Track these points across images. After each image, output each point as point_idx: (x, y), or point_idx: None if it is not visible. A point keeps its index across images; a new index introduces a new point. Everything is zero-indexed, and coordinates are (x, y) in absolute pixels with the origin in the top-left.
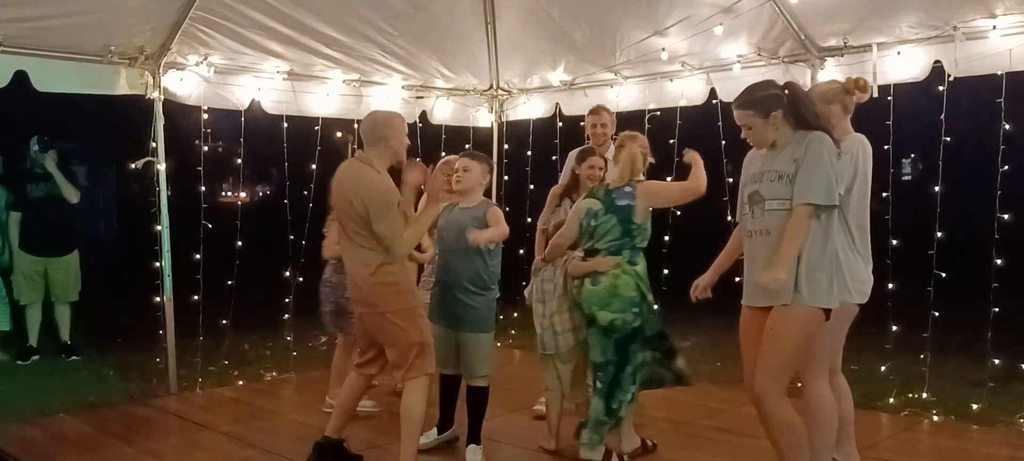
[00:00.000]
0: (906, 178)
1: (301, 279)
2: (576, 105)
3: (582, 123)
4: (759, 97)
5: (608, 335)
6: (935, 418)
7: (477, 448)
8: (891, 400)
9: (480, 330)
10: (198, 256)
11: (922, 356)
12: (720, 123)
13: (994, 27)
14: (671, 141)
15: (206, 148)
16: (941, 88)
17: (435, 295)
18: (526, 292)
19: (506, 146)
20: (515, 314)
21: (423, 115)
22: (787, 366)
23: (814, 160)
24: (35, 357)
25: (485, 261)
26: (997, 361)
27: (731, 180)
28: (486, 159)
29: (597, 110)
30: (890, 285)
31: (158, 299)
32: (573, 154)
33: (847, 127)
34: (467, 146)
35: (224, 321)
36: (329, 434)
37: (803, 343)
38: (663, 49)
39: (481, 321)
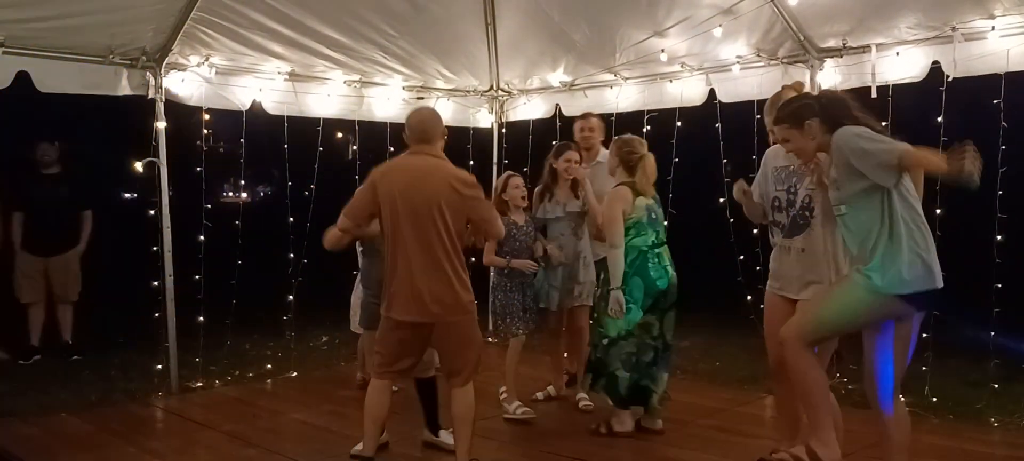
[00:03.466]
0: None
1: (302, 279)
2: (576, 106)
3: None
4: (791, 109)
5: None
6: (935, 418)
7: (448, 431)
8: None
9: None
10: (199, 256)
11: (923, 356)
12: (719, 124)
13: (993, 28)
14: (671, 142)
15: (207, 149)
16: (940, 89)
17: (372, 302)
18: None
19: (506, 146)
20: None
21: None
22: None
23: (846, 154)
24: (37, 357)
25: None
26: (998, 361)
27: (730, 180)
28: None
29: (586, 115)
30: None
31: (160, 299)
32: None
33: None
34: (468, 147)
35: (226, 321)
36: (368, 455)
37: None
38: (662, 50)
39: None
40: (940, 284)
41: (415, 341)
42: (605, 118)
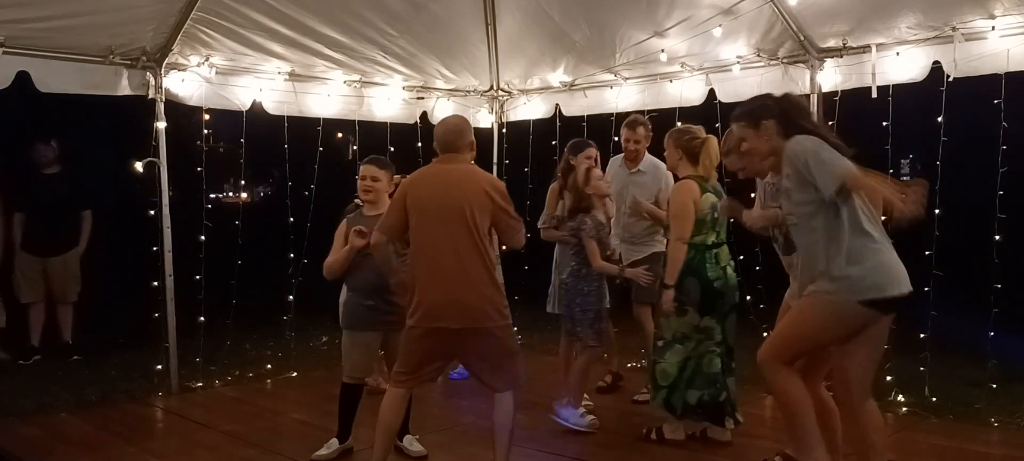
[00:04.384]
0: (905, 178)
1: (302, 279)
2: (576, 106)
3: (582, 123)
4: (749, 108)
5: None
6: (934, 418)
7: (412, 437)
8: (891, 400)
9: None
10: (199, 256)
11: (922, 356)
12: (719, 124)
13: (993, 28)
14: None
15: (207, 149)
16: (940, 89)
17: (354, 303)
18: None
19: (506, 147)
20: (515, 314)
21: (424, 116)
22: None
23: (798, 164)
24: (37, 357)
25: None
26: (997, 361)
27: (729, 180)
28: (392, 167)
29: (633, 124)
30: None
31: (160, 298)
32: (568, 146)
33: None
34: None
35: (226, 321)
36: None
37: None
38: (662, 50)
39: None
40: (904, 290)
41: (445, 349)
42: (605, 118)
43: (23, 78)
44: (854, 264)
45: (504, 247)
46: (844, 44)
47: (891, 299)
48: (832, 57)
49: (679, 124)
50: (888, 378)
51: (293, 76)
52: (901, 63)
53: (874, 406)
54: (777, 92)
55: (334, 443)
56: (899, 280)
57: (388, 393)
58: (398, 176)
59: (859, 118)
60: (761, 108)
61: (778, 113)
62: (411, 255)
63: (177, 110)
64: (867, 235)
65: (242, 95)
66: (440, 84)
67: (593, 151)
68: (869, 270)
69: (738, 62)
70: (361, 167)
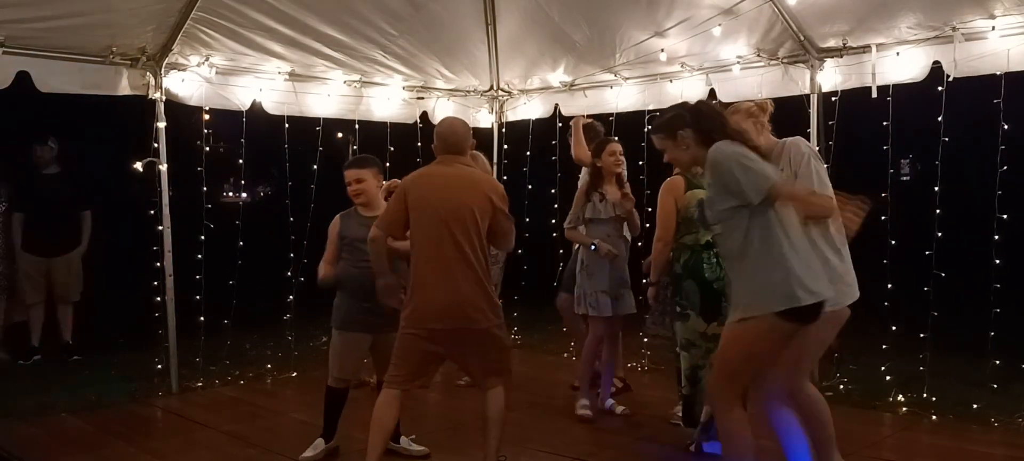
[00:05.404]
0: (905, 178)
1: (302, 279)
2: (576, 106)
3: None
4: (666, 119)
5: None
6: (934, 418)
7: (409, 438)
8: (891, 400)
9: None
10: (200, 256)
11: (922, 356)
12: None
13: (993, 28)
14: None
15: (208, 149)
16: (940, 88)
17: (347, 303)
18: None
19: (506, 146)
20: (515, 314)
21: (424, 116)
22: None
23: (721, 172)
24: (37, 357)
25: (396, 264)
26: (998, 361)
27: None
28: (375, 162)
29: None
30: (888, 285)
31: (159, 299)
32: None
33: (770, 139)
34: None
35: (225, 321)
36: None
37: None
38: (662, 50)
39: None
40: (814, 300)
41: (441, 350)
42: (605, 118)
43: (23, 78)
44: (766, 273)
45: (494, 249)
46: (844, 44)
47: (805, 308)
48: (832, 57)
49: None
50: (888, 378)
51: (293, 76)
52: (901, 63)
53: (814, 391)
54: (777, 93)
55: (320, 443)
56: (812, 289)
57: (383, 393)
58: (387, 182)
59: (859, 118)
60: (676, 119)
61: (692, 122)
62: (414, 253)
63: (177, 110)
64: (783, 243)
65: (242, 95)
66: (440, 84)
67: (615, 146)
68: (779, 280)
69: (738, 62)
70: (344, 174)
